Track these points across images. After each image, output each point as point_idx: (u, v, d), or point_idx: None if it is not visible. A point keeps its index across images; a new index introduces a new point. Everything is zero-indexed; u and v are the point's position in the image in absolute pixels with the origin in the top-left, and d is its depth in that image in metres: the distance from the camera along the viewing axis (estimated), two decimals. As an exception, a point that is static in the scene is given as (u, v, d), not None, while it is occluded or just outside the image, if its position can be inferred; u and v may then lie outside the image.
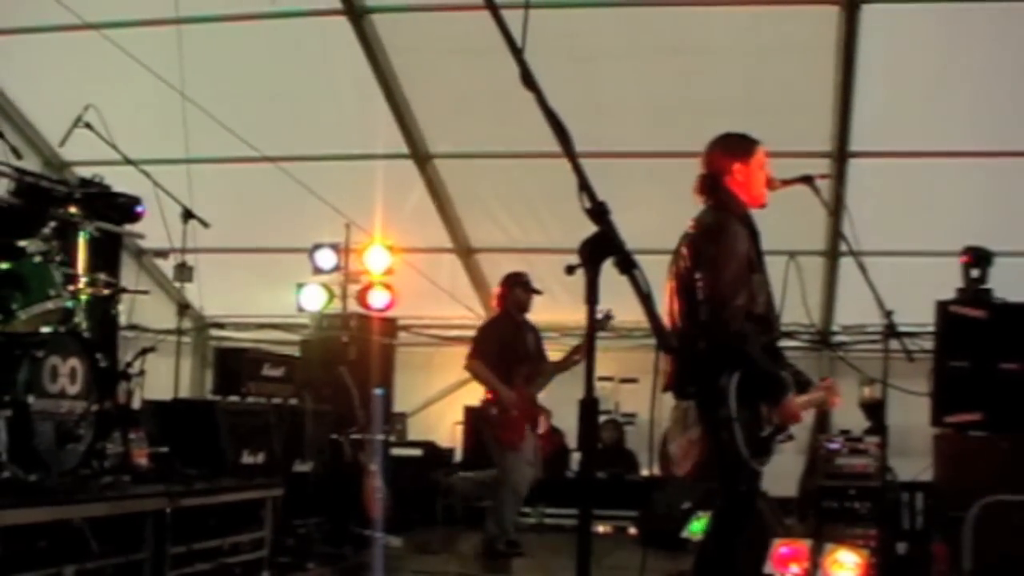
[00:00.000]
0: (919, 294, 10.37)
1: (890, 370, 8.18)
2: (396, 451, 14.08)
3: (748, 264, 6.51)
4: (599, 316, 3.69)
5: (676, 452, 6.66)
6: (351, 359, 13.07)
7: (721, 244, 6.49)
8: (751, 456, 6.35)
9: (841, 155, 12.36)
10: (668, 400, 6.66)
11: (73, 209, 8.53)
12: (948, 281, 10.80)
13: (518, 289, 11.93)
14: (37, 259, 7.48)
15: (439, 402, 16.59)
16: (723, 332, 6.35)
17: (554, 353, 12.13)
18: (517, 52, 3.76)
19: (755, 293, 6.53)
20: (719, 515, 6.82)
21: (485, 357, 11.76)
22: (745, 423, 6.29)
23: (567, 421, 14.64)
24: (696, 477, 6.76)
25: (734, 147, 6.77)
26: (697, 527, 11.08)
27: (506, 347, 11.76)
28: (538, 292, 11.99)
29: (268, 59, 12.48)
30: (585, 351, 3.82)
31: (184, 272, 11.41)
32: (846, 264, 13.29)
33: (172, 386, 10.86)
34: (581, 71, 11.62)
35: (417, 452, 14.93)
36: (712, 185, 6.74)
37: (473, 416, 12.12)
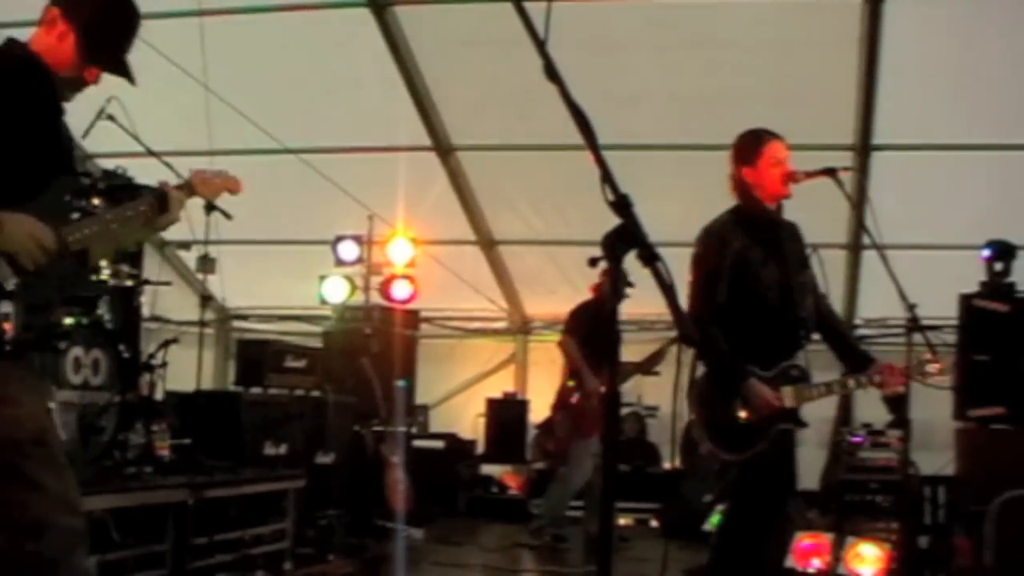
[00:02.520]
0: (942, 288, 10.34)
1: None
2: (418, 443, 14.12)
3: (742, 260, 6.67)
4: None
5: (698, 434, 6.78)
6: (373, 351, 13.08)
7: (702, 246, 6.82)
8: (727, 449, 6.47)
9: (864, 148, 12.33)
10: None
11: (96, 201, 8.54)
12: (971, 275, 10.78)
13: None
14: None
15: (461, 394, 16.62)
16: (695, 322, 6.49)
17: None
18: (540, 44, 3.75)
19: (756, 285, 6.72)
20: (727, 507, 6.96)
21: (579, 336, 11.75)
22: (717, 418, 6.56)
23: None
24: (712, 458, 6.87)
25: (743, 150, 6.96)
26: (718, 520, 11.09)
27: (596, 333, 11.71)
28: (631, 285, 11.89)
29: (291, 51, 12.47)
30: (609, 343, 3.81)
31: (207, 264, 11.42)
32: (869, 257, 13.28)
33: (194, 377, 10.88)
34: (604, 63, 11.59)
35: (439, 444, 14.98)
36: (734, 185, 6.92)
37: (558, 400, 12.10)
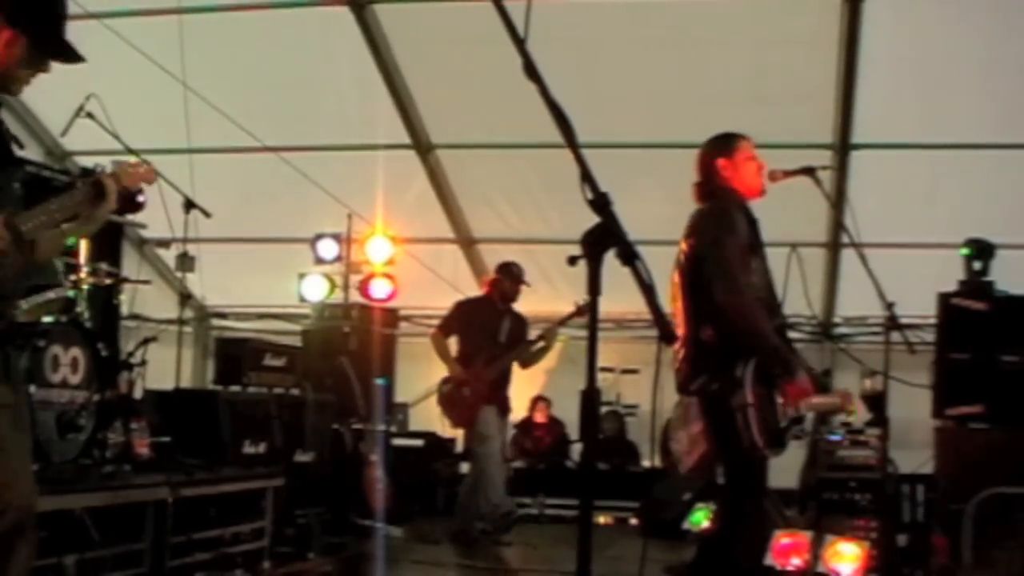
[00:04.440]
0: (921, 286, 10.37)
1: (891, 362, 8.20)
2: (397, 441, 14.11)
3: (749, 248, 6.53)
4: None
5: (679, 448, 6.67)
6: (352, 349, 13.09)
7: (721, 224, 6.55)
8: (766, 444, 6.34)
9: (843, 147, 12.35)
10: (669, 391, 6.65)
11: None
12: (950, 273, 10.79)
13: (506, 280, 12.10)
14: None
15: (440, 393, 16.60)
16: (736, 308, 6.34)
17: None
18: (519, 43, 3.76)
19: (753, 273, 6.56)
20: (728, 509, 6.82)
21: (448, 331, 12.11)
22: (761, 411, 6.30)
23: (568, 412, 14.67)
24: (700, 473, 6.75)
25: (716, 146, 6.86)
26: (698, 518, 11.09)
27: (479, 330, 11.97)
28: (525, 283, 12.18)
29: (270, 49, 12.46)
30: (588, 342, 3.82)
31: (186, 262, 11.40)
32: (848, 256, 13.29)
33: (173, 376, 10.86)
34: (584, 62, 11.60)
35: (418, 443, 14.96)
36: (707, 189, 6.79)
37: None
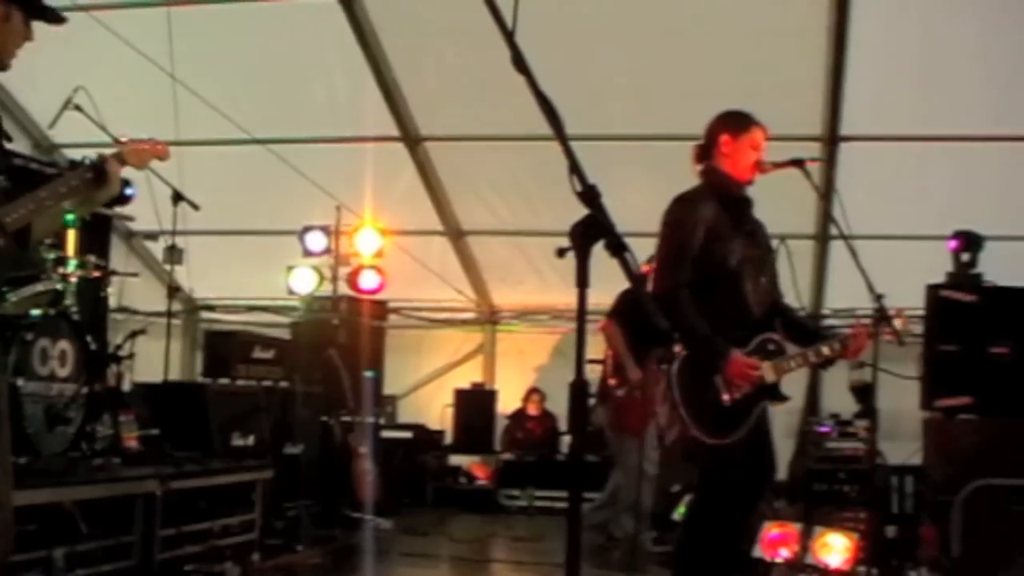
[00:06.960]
0: (909, 278, 10.35)
1: (880, 354, 8.16)
2: (386, 434, 14.09)
3: (714, 231, 6.55)
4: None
5: (662, 422, 6.71)
6: (341, 342, 13.08)
7: (674, 213, 6.63)
8: (712, 434, 6.38)
9: (832, 139, 12.35)
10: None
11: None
12: (938, 265, 10.80)
13: None
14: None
15: (429, 384, 16.60)
16: (665, 301, 6.40)
17: (541, 336, 11.88)
18: (508, 35, 3.75)
19: (727, 256, 6.56)
20: (697, 493, 6.90)
21: (622, 322, 10.72)
22: (699, 402, 6.40)
23: (560, 405, 14.67)
24: (682, 445, 6.79)
25: (728, 121, 6.84)
26: (685, 509, 11.08)
27: (646, 322, 10.84)
28: None
29: (259, 41, 12.44)
30: (577, 334, 3.81)
31: (174, 254, 11.38)
32: (836, 248, 13.32)
33: (162, 368, 10.85)
34: (572, 54, 11.58)
35: (407, 435, 14.97)
36: (703, 155, 6.85)
37: (598, 393, 11.21)
